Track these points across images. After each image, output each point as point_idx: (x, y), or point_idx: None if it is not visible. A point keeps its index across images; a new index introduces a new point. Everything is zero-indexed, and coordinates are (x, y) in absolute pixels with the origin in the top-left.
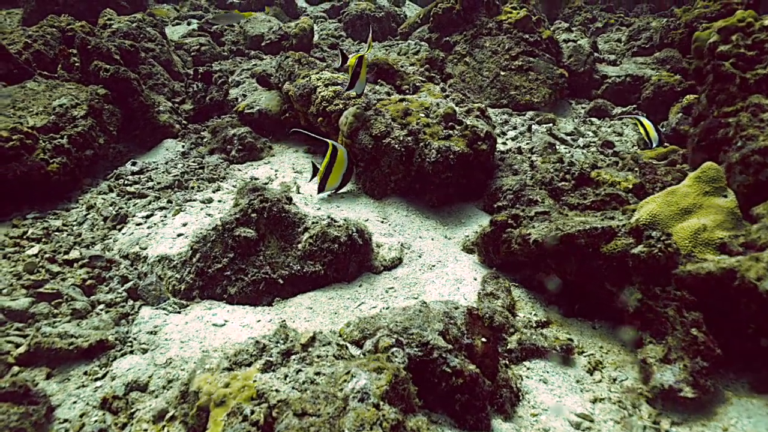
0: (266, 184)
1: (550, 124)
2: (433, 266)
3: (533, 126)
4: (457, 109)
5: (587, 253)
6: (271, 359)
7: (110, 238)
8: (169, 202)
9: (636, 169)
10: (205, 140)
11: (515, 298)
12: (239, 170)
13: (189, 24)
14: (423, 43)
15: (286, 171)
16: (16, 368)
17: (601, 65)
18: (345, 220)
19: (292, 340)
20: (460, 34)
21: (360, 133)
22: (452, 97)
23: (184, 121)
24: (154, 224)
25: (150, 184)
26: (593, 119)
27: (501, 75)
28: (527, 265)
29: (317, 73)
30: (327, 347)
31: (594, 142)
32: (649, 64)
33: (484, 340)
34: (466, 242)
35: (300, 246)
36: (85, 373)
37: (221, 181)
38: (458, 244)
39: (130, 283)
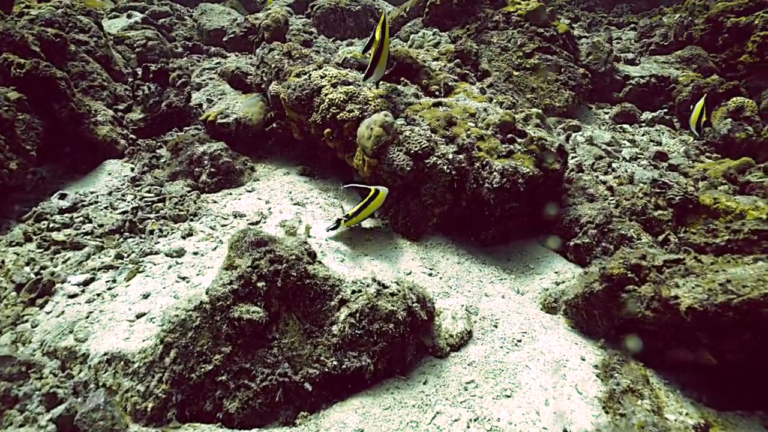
0: (258, 223)
1: (580, 132)
2: (519, 341)
3: (571, 135)
4: (516, 116)
5: None
6: None
7: (26, 320)
8: (119, 256)
9: (734, 188)
10: (162, 161)
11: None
12: (215, 202)
13: (129, 17)
14: (442, 33)
15: (282, 203)
16: None
17: (619, 64)
18: (398, 283)
19: None
20: (462, 28)
21: (391, 150)
22: (497, 100)
23: (132, 135)
24: (98, 296)
25: (88, 227)
26: (624, 126)
27: (514, 75)
28: (656, 337)
29: (318, 69)
30: None
31: (640, 154)
32: (673, 63)
33: None
34: (547, 299)
35: (335, 329)
36: None
37: (192, 220)
38: (535, 300)
39: (62, 408)
